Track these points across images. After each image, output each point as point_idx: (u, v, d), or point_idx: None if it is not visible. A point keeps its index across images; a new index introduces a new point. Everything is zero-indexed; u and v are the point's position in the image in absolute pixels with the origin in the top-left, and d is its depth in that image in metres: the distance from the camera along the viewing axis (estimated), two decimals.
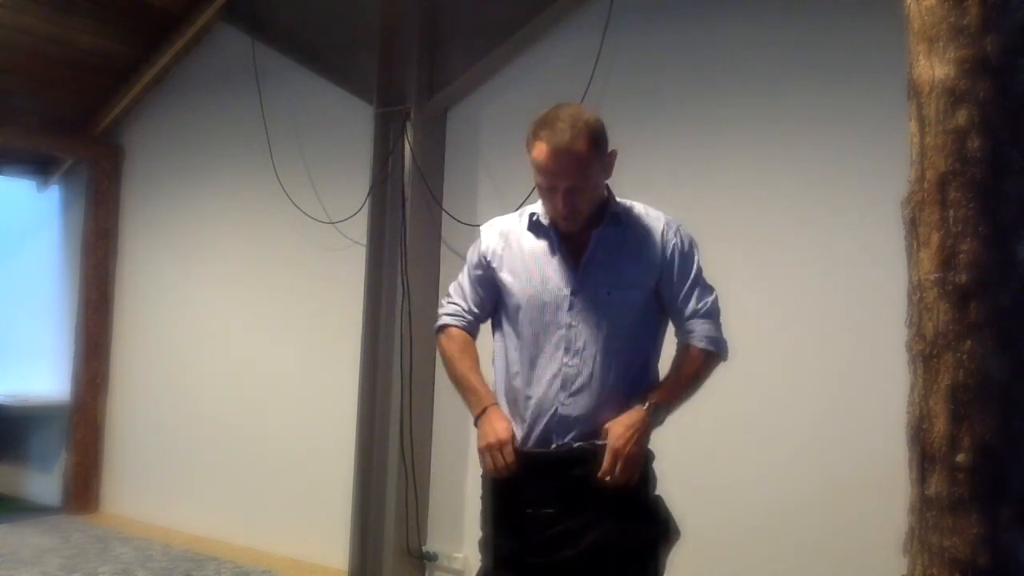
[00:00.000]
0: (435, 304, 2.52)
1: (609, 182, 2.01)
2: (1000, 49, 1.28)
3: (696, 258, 2.01)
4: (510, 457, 1.90)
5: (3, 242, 5.82)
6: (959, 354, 1.27)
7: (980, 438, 1.26)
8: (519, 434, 1.95)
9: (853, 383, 2.91)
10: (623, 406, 1.92)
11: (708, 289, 2.02)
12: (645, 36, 3.44)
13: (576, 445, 1.91)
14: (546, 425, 1.92)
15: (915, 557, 1.32)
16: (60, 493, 5.21)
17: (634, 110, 3.42)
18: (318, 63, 4.28)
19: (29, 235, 5.73)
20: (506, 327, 2.04)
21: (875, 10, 2.77)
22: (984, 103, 1.28)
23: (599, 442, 1.88)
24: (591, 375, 1.92)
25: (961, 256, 1.28)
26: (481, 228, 2.14)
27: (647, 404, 1.90)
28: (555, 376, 1.93)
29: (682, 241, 2.00)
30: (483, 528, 2.04)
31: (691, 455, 3.04)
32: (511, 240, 2.05)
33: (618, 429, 1.87)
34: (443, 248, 3.91)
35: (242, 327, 4.62)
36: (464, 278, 2.14)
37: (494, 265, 2.06)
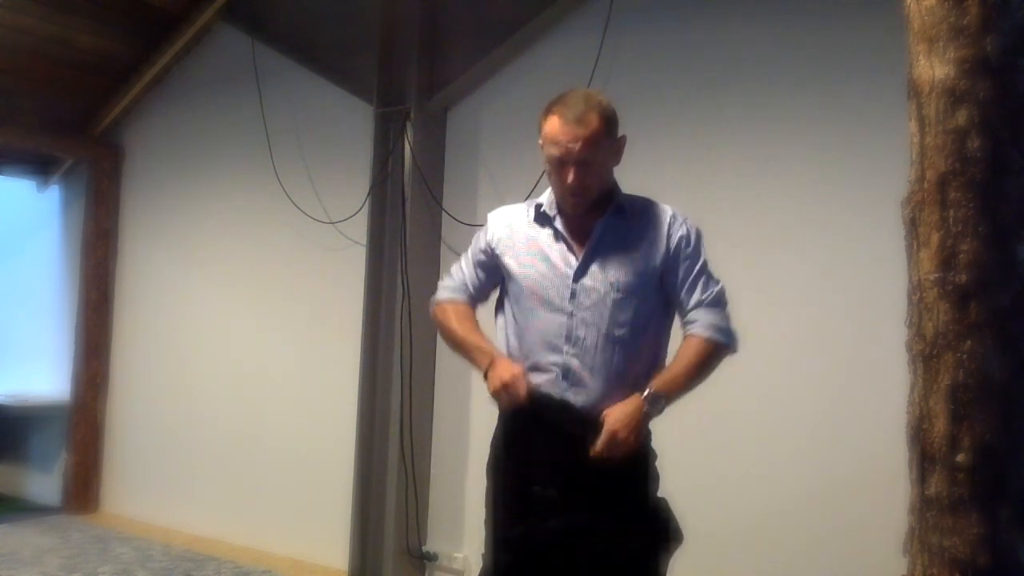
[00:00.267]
0: None
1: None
2: (1000, 49, 1.28)
3: (702, 250, 2.02)
4: (523, 390, 1.90)
5: (3, 242, 5.81)
6: (959, 354, 1.27)
7: (980, 438, 1.26)
8: None
9: (853, 383, 2.91)
10: (625, 398, 1.91)
11: (714, 280, 2.02)
12: (645, 36, 3.43)
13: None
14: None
15: (915, 557, 1.32)
16: (60, 493, 5.20)
17: (634, 110, 3.40)
18: (318, 63, 4.28)
19: (29, 235, 5.72)
20: (508, 315, 2.05)
21: (875, 10, 2.76)
22: (984, 103, 1.28)
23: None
24: (592, 366, 1.91)
25: (961, 256, 1.28)
26: (488, 215, 2.15)
27: (646, 392, 1.90)
28: (556, 366, 1.93)
29: (689, 232, 2.00)
30: (487, 509, 2.03)
31: (691, 454, 3.04)
32: (516, 229, 2.06)
33: (616, 413, 1.87)
34: (443, 248, 3.92)
35: (242, 327, 4.62)
36: (466, 260, 2.16)
37: (498, 252, 2.07)
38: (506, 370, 1.93)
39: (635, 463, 1.93)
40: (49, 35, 4.52)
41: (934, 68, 1.31)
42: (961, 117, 1.29)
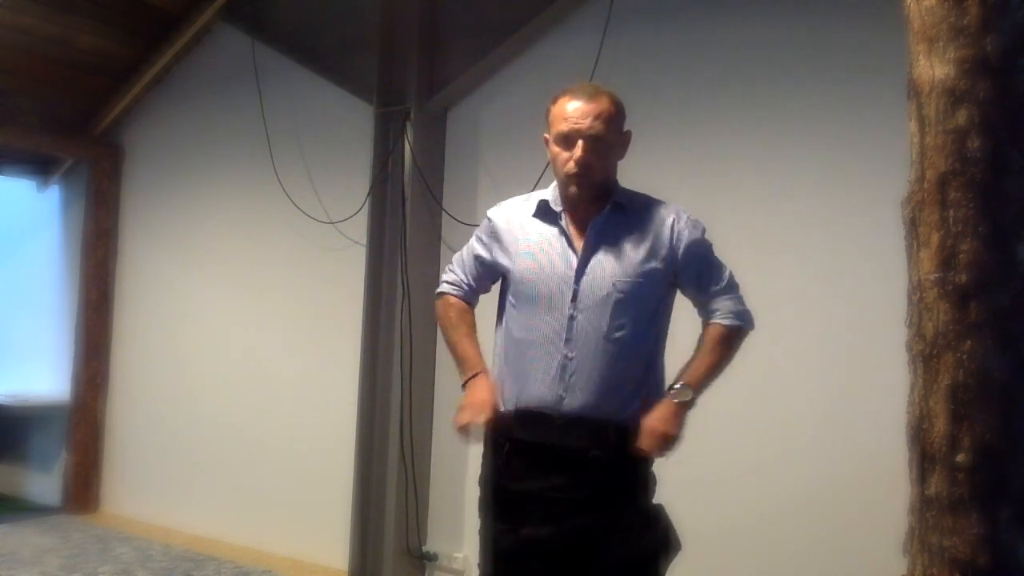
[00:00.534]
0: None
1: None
2: (1000, 49, 1.28)
3: (707, 240, 2.03)
4: (483, 419, 1.93)
5: (3, 242, 5.81)
6: (959, 354, 1.27)
7: (980, 438, 1.26)
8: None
9: (853, 383, 2.91)
10: (625, 399, 1.92)
11: (722, 266, 2.04)
12: (645, 36, 3.43)
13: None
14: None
15: (915, 557, 1.32)
16: (60, 493, 5.20)
17: (634, 110, 3.40)
18: (318, 63, 4.28)
19: (29, 235, 5.72)
20: (508, 311, 2.05)
21: (875, 10, 2.76)
22: (984, 103, 1.28)
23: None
24: (592, 367, 1.90)
25: (961, 256, 1.28)
26: (489, 211, 2.15)
27: (680, 384, 1.93)
28: (554, 365, 1.92)
29: (692, 226, 2.01)
30: (481, 514, 2.03)
31: (690, 455, 3.02)
32: (517, 225, 2.05)
33: (657, 414, 1.91)
34: (443, 248, 3.92)
35: (242, 327, 4.62)
36: (467, 252, 2.18)
37: (498, 248, 2.07)
38: (475, 394, 1.98)
39: (630, 471, 1.93)
40: (49, 35, 4.52)
41: (934, 68, 1.31)
42: (961, 117, 1.29)
